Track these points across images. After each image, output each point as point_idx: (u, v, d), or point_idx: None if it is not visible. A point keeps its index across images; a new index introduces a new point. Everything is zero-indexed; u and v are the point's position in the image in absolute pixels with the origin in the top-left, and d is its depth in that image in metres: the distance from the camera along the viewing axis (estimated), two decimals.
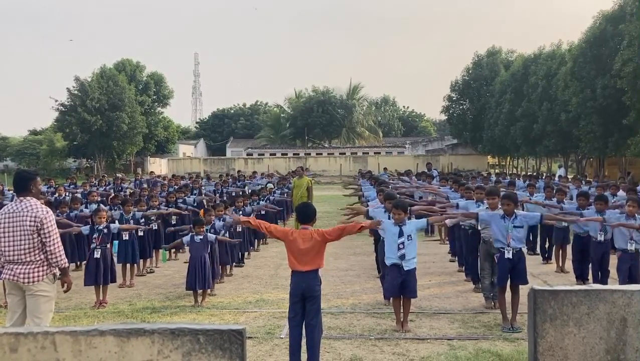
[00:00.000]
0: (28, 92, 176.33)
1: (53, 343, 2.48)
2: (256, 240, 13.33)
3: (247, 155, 60.58)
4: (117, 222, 9.74)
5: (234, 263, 10.75)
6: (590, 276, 9.08)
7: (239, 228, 10.86)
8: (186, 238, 8.65)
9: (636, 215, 7.91)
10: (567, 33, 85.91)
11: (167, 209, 11.97)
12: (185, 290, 8.45)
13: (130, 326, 2.51)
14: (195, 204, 13.56)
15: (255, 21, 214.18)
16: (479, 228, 8.06)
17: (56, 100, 49.78)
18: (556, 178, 22.82)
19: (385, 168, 28.92)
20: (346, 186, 21.47)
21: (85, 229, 9.03)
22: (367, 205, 9.50)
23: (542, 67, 33.68)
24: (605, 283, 8.47)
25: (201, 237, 8.41)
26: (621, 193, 12.81)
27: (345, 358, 5.92)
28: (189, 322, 6.43)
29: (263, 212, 13.73)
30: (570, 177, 22.54)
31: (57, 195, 15.37)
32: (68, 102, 49.33)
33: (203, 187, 17.72)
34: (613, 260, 8.43)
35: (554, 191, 11.50)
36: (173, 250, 12.45)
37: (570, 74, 27.85)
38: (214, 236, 8.73)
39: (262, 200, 14.45)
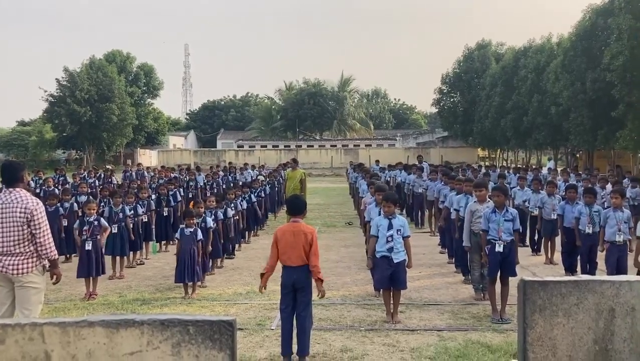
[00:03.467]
0: (16, 83, 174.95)
1: (41, 335, 2.46)
2: (247, 232, 13.31)
3: (238, 147, 60.44)
4: (107, 212, 9.71)
5: (225, 255, 10.73)
6: (579, 268, 9.17)
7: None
8: (177, 234, 8.62)
9: (622, 206, 7.99)
10: (556, 27, 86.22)
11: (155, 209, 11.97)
12: (175, 283, 8.43)
13: (120, 317, 2.49)
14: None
15: (246, 13, 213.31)
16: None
17: (45, 91, 49.47)
18: (544, 171, 22.96)
19: (377, 161, 28.93)
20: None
21: (76, 224, 8.95)
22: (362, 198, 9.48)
23: (531, 60, 33.75)
24: (594, 275, 8.54)
25: (191, 229, 8.36)
26: (609, 186, 12.89)
27: (335, 349, 5.94)
28: (179, 313, 6.42)
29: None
30: (559, 169, 22.66)
31: (45, 186, 15.23)
32: (57, 93, 48.91)
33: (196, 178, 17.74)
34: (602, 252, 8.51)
35: (545, 184, 11.54)
36: (163, 242, 12.42)
37: (561, 66, 27.93)
38: (210, 223, 8.72)
39: (254, 193, 14.42)
